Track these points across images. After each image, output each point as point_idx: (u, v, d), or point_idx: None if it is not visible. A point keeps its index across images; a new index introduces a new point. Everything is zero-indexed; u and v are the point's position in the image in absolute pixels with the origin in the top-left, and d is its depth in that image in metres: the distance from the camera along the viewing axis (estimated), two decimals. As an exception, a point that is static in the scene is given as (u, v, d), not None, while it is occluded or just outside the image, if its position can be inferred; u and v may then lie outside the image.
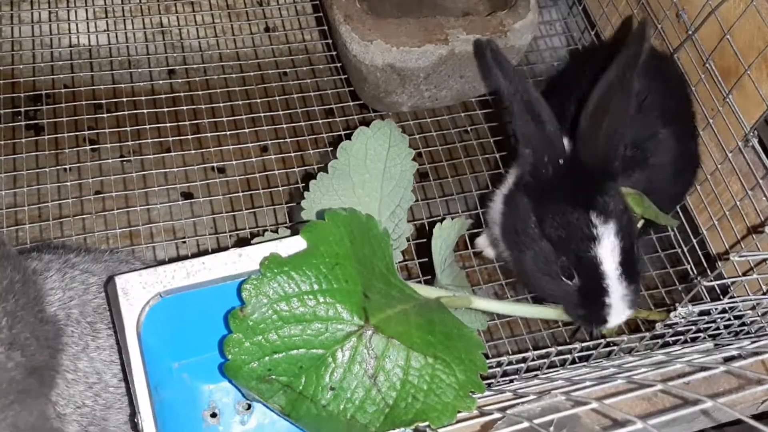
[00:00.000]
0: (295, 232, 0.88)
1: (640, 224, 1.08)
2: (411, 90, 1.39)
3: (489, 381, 1.03)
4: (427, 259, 1.12)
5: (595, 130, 0.99)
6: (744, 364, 1.00)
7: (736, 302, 1.02)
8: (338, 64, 1.48)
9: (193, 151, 1.38)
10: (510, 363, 1.00)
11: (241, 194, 1.33)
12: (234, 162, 1.38)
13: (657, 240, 1.33)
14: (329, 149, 1.47)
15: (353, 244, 0.86)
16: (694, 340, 1.10)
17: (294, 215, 1.40)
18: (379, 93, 1.40)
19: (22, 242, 1.29)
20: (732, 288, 1.16)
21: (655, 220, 1.11)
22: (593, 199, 0.98)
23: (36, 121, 1.46)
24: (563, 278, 1.00)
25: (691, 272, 1.29)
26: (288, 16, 1.64)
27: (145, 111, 1.40)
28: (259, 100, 1.45)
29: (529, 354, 0.97)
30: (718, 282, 1.14)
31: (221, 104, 1.43)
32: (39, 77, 1.48)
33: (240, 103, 1.44)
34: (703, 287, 1.19)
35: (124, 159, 1.43)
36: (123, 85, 1.50)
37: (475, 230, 1.32)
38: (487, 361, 0.88)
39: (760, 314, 1.09)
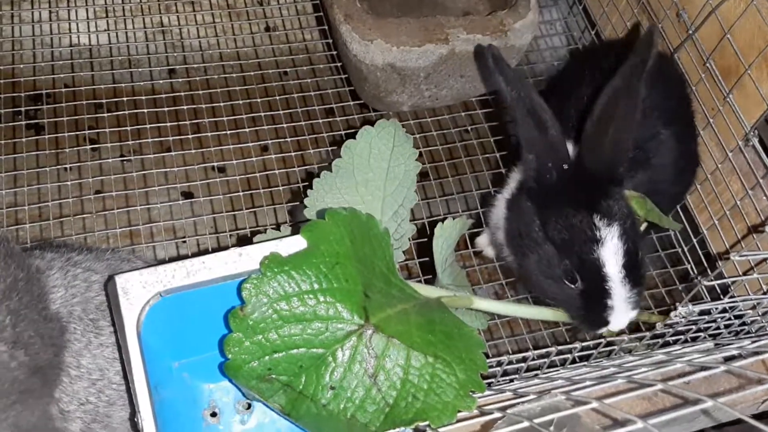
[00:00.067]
0: (296, 231, 0.88)
1: (642, 227, 1.08)
2: (411, 89, 1.39)
3: (489, 380, 1.03)
4: (427, 259, 1.12)
5: (601, 136, 0.99)
6: (744, 363, 1.00)
7: (736, 302, 1.02)
8: (338, 64, 1.48)
9: (193, 151, 1.38)
10: (510, 362, 0.99)
11: (241, 194, 1.33)
12: (234, 161, 1.38)
13: (657, 239, 1.33)
14: (330, 148, 1.47)
15: (354, 243, 0.86)
16: (694, 339, 1.10)
17: (296, 214, 1.40)
18: (379, 92, 1.40)
19: (23, 241, 1.30)
20: (732, 287, 1.16)
21: (659, 222, 1.11)
22: (597, 202, 0.98)
23: (36, 121, 1.46)
24: (566, 282, 0.99)
25: (691, 272, 1.29)
26: (288, 16, 1.64)
27: (145, 110, 1.40)
28: (259, 100, 1.45)
29: (529, 353, 0.97)
30: (719, 281, 1.14)
31: (221, 104, 1.43)
32: (39, 77, 1.48)
33: (240, 102, 1.44)
34: (703, 287, 1.19)
35: (125, 158, 1.43)
36: (123, 85, 1.50)
37: (476, 230, 1.32)
38: (488, 360, 0.88)
39: (760, 314, 1.09)
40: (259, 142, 1.44)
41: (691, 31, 1.27)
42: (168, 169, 1.38)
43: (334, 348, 0.80)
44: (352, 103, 1.48)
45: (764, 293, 1.12)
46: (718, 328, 1.09)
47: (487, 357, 0.89)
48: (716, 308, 1.02)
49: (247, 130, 1.42)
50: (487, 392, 0.96)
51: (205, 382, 0.92)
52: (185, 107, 1.43)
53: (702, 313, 0.98)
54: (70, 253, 1.00)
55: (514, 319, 1.30)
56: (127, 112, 1.40)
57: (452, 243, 1.09)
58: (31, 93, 1.46)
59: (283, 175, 1.37)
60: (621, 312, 0.98)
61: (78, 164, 1.41)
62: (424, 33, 1.31)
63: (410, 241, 1.10)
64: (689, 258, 1.30)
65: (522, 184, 1.09)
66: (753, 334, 1.10)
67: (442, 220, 1.07)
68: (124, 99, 1.43)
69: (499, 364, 0.99)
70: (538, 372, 1.04)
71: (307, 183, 1.04)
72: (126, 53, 1.55)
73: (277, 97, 1.47)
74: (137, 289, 0.84)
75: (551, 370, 1.04)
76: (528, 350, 0.97)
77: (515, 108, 0.99)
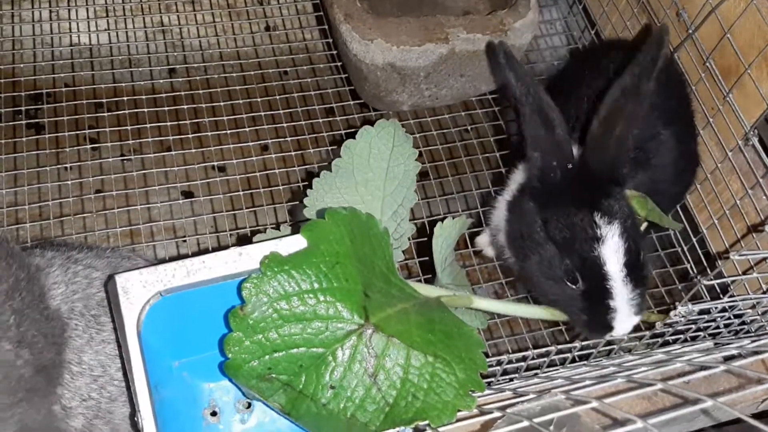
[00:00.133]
0: (296, 231, 0.88)
1: (643, 227, 1.08)
2: (411, 89, 1.39)
3: (489, 380, 1.03)
4: (427, 258, 1.12)
5: (607, 136, 0.98)
6: (744, 363, 1.00)
7: (736, 301, 1.02)
8: (338, 63, 1.48)
9: (193, 150, 1.38)
10: (510, 362, 0.99)
11: (241, 193, 1.33)
12: (234, 161, 1.38)
13: (657, 239, 1.33)
14: (330, 148, 1.47)
15: (354, 243, 0.86)
16: (694, 339, 1.10)
17: (296, 213, 1.40)
18: (379, 92, 1.40)
19: (23, 241, 1.30)
20: (732, 287, 1.16)
21: (659, 222, 1.10)
22: (598, 201, 0.98)
23: (37, 120, 1.46)
24: (567, 282, 0.98)
25: (691, 271, 1.29)
26: (288, 15, 1.64)
27: (145, 110, 1.40)
28: (259, 99, 1.45)
29: (529, 353, 0.97)
30: (718, 281, 1.13)
31: (222, 103, 1.43)
32: (40, 76, 1.48)
33: (240, 102, 1.45)
34: (702, 286, 1.19)
35: (125, 158, 1.44)
36: (123, 84, 1.50)
37: (476, 229, 1.32)
38: (487, 359, 0.88)
39: (760, 313, 1.09)
40: (259, 142, 1.44)
41: (690, 31, 1.27)
42: (168, 169, 1.38)
43: (334, 347, 0.80)
44: (352, 102, 1.49)
45: (764, 292, 1.12)
46: (717, 327, 1.10)
47: (487, 356, 0.89)
48: (716, 307, 1.02)
49: (247, 129, 1.43)
50: (486, 391, 0.96)
51: (205, 382, 0.92)
52: (185, 107, 1.44)
53: (701, 312, 0.98)
54: (71, 252, 1.00)
55: (513, 318, 1.31)
56: (127, 111, 1.40)
57: (452, 242, 1.09)
58: (32, 92, 1.46)
59: (283, 174, 1.37)
60: (624, 314, 0.96)
61: (78, 163, 1.41)
62: (424, 32, 1.31)
63: (410, 240, 1.10)
64: (689, 257, 1.30)
65: (524, 185, 1.09)
66: (752, 334, 1.11)
67: (442, 220, 1.07)
68: (125, 98, 1.43)
69: (499, 363, 0.99)
70: (538, 371, 1.04)
71: (307, 182, 1.04)
72: (126, 53, 1.55)
73: (277, 97, 1.47)
74: (137, 289, 0.84)
75: (551, 369, 1.04)
76: (528, 349, 0.97)
77: (523, 105, 0.99)
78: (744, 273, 1.17)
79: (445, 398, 0.82)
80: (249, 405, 0.92)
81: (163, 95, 1.46)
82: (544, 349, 0.95)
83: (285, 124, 1.43)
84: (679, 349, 1.06)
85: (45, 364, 0.85)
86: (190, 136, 1.40)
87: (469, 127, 1.53)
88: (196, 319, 0.87)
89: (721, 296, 1.07)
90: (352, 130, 1.04)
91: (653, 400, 1.02)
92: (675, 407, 0.98)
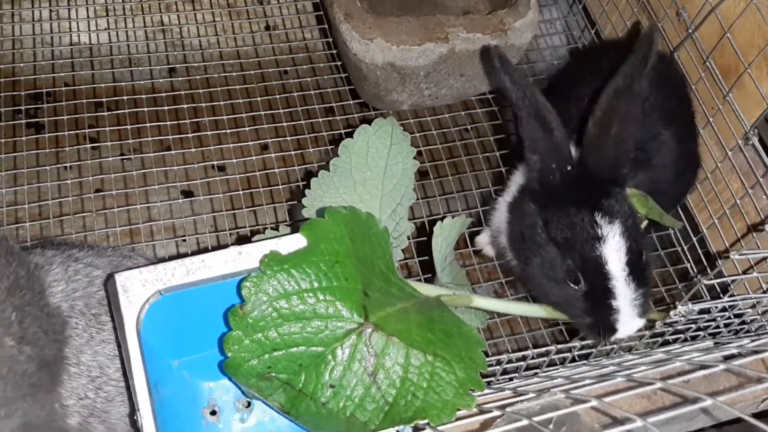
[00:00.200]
0: (295, 230, 0.88)
1: (643, 225, 1.08)
2: (411, 88, 1.39)
3: (489, 379, 1.03)
4: (427, 258, 1.12)
5: (604, 137, 0.98)
6: (744, 362, 1.00)
7: (736, 300, 1.02)
8: (338, 63, 1.48)
9: (193, 149, 1.38)
10: (510, 361, 0.99)
11: (241, 192, 1.33)
12: (234, 160, 1.38)
13: (657, 238, 1.33)
14: (329, 147, 1.47)
15: (353, 242, 0.86)
16: (694, 338, 1.10)
17: (295, 213, 1.40)
18: (379, 91, 1.40)
19: (23, 240, 1.30)
20: (732, 286, 1.16)
21: (660, 221, 1.10)
22: (598, 201, 0.98)
23: (36, 120, 1.46)
24: (569, 283, 0.98)
25: (691, 270, 1.29)
26: (288, 15, 1.64)
27: (145, 109, 1.40)
28: (259, 99, 1.45)
29: (528, 352, 0.97)
30: (718, 280, 1.13)
31: (221, 102, 1.43)
32: (40, 75, 1.48)
33: (240, 101, 1.44)
34: (703, 285, 1.19)
35: (125, 157, 1.44)
36: (123, 84, 1.50)
37: (475, 228, 1.32)
38: (487, 359, 0.88)
39: (760, 312, 1.09)
40: (258, 141, 1.44)
41: (690, 30, 1.27)
42: (168, 168, 1.38)
43: (334, 346, 0.80)
44: (351, 102, 1.48)
45: (764, 292, 1.12)
46: (717, 326, 1.10)
47: (487, 355, 0.89)
48: (716, 307, 1.02)
49: (246, 128, 1.43)
50: (486, 391, 0.96)
51: (204, 381, 0.92)
52: (185, 106, 1.43)
53: (701, 311, 0.98)
54: (71, 250, 1.00)
55: (513, 317, 1.30)
56: (127, 110, 1.40)
57: (452, 242, 1.09)
58: (32, 92, 1.46)
59: (282, 173, 1.37)
60: (627, 315, 0.95)
61: (78, 163, 1.41)
62: (424, 32, 1.31)
63: (410, 239, 1.10)
64: (689, 257, 1.30)
65: (524, 187, 1.09)
66: (752, 333, 1.11)
67: (442, 219, 1.07)
68: (124, 98, 1.43)
69: (499, 362, 0.99)
70: (538, 370, 1.04)
71: (306, 182, 1.04)
72: (126, 52, 1.55)
73: (277, 96, 1.47)
74: (137, 288, 0.84)
75: (551, 368, 1.04)
76: (527, 349, 0.97)
77: (520, 109, 0.99)
78: (744, 272, 1.17)
79: (445, 397, 0.82)
80: (248, 404, 0.92)
81: (163, 95, 1.46)
82: (543, 349, 0.95)
83: (285, 124, 1.43)
84: (679, 348, 1.06)
85: (48, 360, 0.85)
86: (189, 135, 1.40)
87: (468, 127, 1.53)
88: (195, 318, 0.87)
89: (721, 296, 1.07)
90: (352, 129, 1.04)
91: (653, 399, 1.02)
92: (675, 406, 0.98)
